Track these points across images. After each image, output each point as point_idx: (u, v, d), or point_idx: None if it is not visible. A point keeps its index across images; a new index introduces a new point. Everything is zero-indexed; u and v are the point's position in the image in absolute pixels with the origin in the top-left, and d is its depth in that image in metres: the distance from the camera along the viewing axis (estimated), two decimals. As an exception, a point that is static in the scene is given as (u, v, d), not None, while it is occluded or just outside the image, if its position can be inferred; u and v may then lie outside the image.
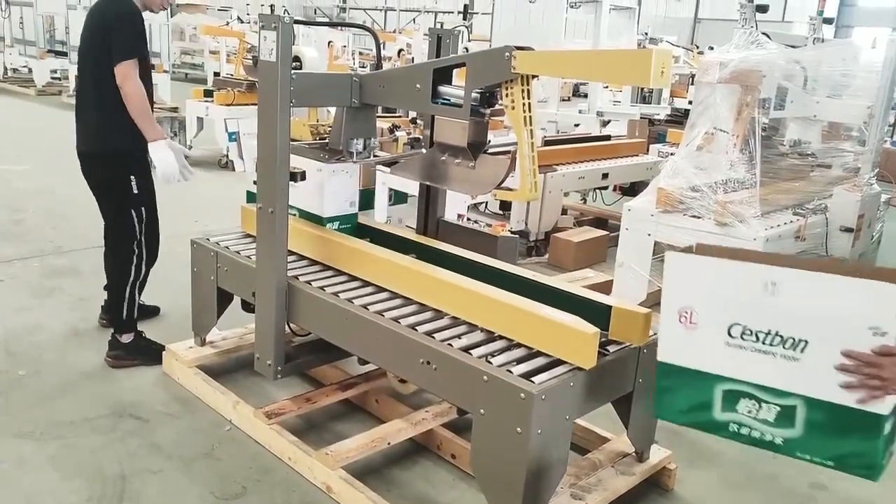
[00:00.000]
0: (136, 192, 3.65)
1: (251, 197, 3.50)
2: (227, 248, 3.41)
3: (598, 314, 2.60)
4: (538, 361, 2.45)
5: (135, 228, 3.69)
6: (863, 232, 4.51)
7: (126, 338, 3.74)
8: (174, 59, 19.50)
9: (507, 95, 2.51)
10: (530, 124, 2.55)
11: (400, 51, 8.67)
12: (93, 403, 3.32)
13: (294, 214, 3.29)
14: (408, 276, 2.88)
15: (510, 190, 2.76)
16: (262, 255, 2.99)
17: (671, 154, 8.03)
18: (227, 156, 8.56)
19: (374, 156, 3.23)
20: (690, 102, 8.60)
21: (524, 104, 2.49)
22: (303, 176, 3.09)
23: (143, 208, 3.70)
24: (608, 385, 2.57)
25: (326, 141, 3.30)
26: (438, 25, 3.46)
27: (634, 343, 2.61)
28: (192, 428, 3.19)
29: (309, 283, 3.02)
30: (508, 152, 2.78)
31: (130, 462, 2.93)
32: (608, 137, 7.42)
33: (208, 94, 8.77)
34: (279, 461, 2.95)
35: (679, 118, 13.14)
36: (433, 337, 2.58)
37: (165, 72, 12.67)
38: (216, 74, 16.84)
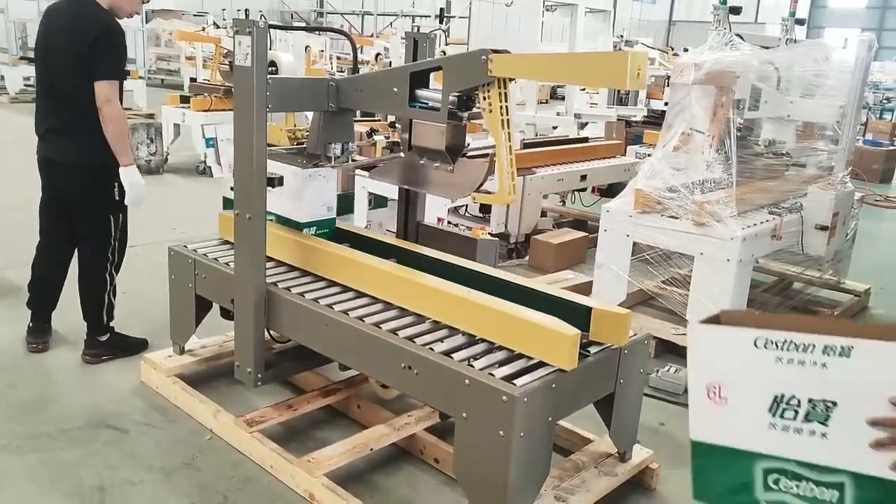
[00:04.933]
0: (116, 198, 3.65)
1: (228, 203, 3.48)
2: (204, 255, 3.38)
3: (578, 316, 2.60)
4: (519, 364, 2.44)
5: (111, 235, 3.70)
6: (838, 230, 4.55)
7: (104, 336, 3.79)
8: (150, 64, 19.36)
9: (484, 98, 2.51)
10: (508, 127, 2.55)
11: (377, 55, 8.64)
12: (70, 415, 3.28)
13: (272, 220, 3.28)
14: (388, 280, 2.87)
15: (489, 193, 2.76)
16: (241, 261, 2.97)
17: (648, 155, 8.11)
18: (205, 162, 8.47)
19: (353, 160, 3.22)
20: (667, 104, 8.68)
21: (501, 107, 2.50)
22: (280, 181, 3.07)
23: (120, 214, 3.70)
24: (590, 386, 2.58)
25: (304, 146, 3.28)
26: (415, 29, 3.45)
27: (615, 344, 2.62)
28: (172, 438, 3.15)
29: (288, 289, 3.00)
30: (487, 155, 2.78)
31: (110, 474, 2.89)
32: (586, 140, 7.45)
33: (185, 100, 8.71)
34: (261, 470, 2.93)
35: (655, 119, 13.23)
36: (414, 341, 2.57)
37: (141, 78, 12.58)
38: (192, 80, 16.74)
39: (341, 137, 3.15)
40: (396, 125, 5.47)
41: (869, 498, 1.67)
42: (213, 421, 3.17)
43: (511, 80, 2.56)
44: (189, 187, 8.12)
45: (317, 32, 16.08)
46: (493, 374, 2.34)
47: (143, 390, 3.52)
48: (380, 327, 2.68)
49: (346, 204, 6.51)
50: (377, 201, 6.05)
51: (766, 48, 5.20)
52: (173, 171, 8.67)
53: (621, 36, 15.92)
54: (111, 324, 3.82)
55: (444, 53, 11.06)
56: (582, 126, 10.08)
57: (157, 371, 3.50)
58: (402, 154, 2.81)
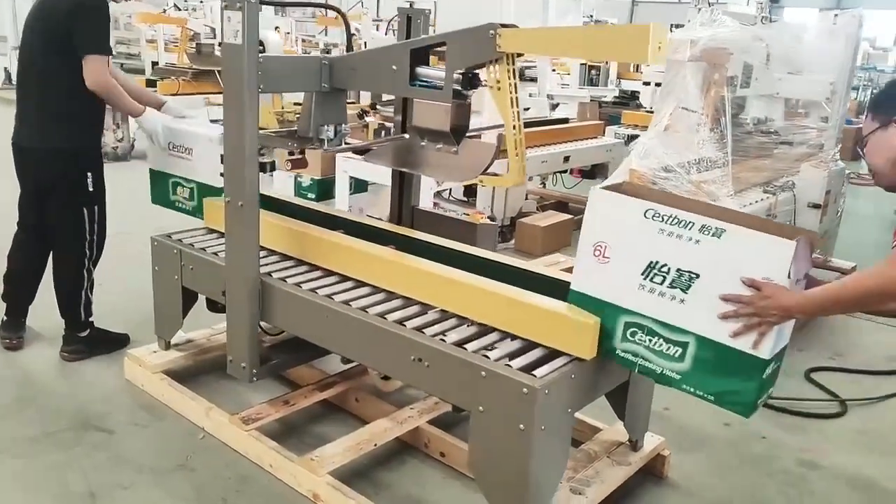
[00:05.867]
0: (91, 189, 3.46)
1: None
2: (191, 245, 3.21)
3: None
4: (535, 353, 2.34)
5: (85, 228, 3.50)
6: (829, 208, 4.53)
7: (83, 333, 3.61)
8: (109, 49, 18.75)
9: (491, 75, 2.39)
10: (517, 105, 2.43)
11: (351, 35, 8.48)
12: (53, 417, 3.10)
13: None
14: (390, 268, 2.74)
15: (496, 175, 2.64)
16: (232, 251, 2.81)
17: (629, 136, 8.06)
18: (174, 148, 8.23)
19: (346, 143, 3.07)
20: (650, 84, 8.62)
21: (510, 84, 2.37)
22: (272, 167, 2.91)
23: (95, 207, 3.51)
24: (607, 375, 2.48)
25: (294, 129, 3.12)
26: (408, 5, 3.30)
27: (631, 330, 2.53)
28: (163, 438, 3.00)
29: (283, 279, 2.86)
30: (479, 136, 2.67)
31: (98, 477, 2.74)
32: (566, 120, 7.36)
33: (151, 83, 8.41)
34: (259, 469, 2.79)
35: (626, 100, 13.24)
36: (423, 332, 2.45)
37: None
38: (154, 64, 16.27)
39: (334, 119, 2.99)
40: (378, 107, 5.31)
41: (705, 357, 2.06)
42: (206, 419, 3.02)
43: (519, 55, 2.45)
44: (159, 174, 7.85)
45: (313, 10, 15.62)
46: (510, 365, 2.24)
47: (128, 388, 3.35)
48: (385, 318, 2.56)
49: (326, 189, 6.36)
50: (357, 185, 5.89)
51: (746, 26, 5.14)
52: (141, 157, 8.33)
53: (591, 15, 15.81)
54: (90, 319, 3.63)
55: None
56: (553, 107, 9.97)
57: (142, 368, 3.33)
58: (405, 136, 2.67)
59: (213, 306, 3.34)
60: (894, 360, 4.18)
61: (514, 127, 2.43)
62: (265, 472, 2.78)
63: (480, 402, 2.26)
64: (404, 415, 2.97)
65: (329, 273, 2.92)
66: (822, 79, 4.65)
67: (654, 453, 2.90)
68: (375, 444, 2.82)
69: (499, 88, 2.37)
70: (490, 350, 2.34)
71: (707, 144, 4.18)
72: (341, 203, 5.54)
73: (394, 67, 2.65)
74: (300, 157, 3.20)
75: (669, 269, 2.06)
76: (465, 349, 2.34)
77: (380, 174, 5.26)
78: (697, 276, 2.02)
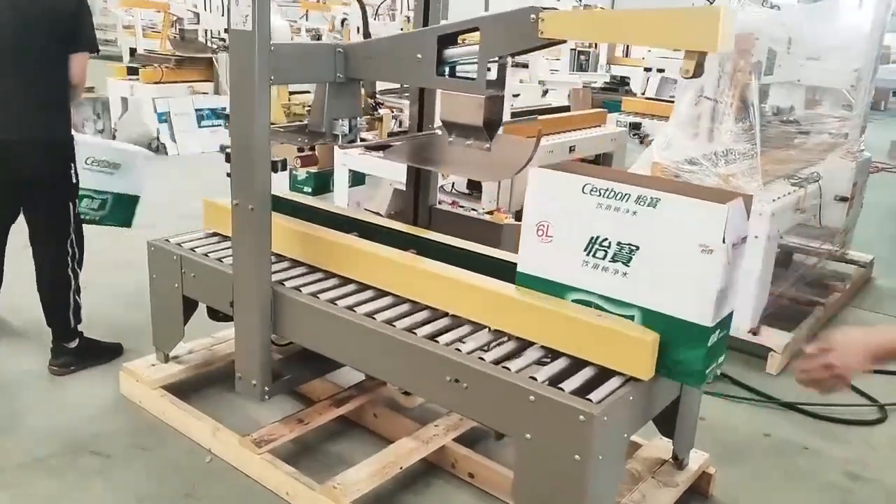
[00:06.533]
0: (74, 181, 3.26)
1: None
2: (192, 250, 2.95)
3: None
4: (586, 373, 2.12)
5: (70, 224, 3.28)
6: (855, 200, 4.35)
7: (73, 343, 3.34)
8: (84, 35, 18.23)
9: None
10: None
11: (343, 20, 8.11)
12: (42, 439, 2.84)
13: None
14: (415, 276, 2.50)
15: None
16: (242, 259, 2.56)
17: (631, 123, 7.85)
18: (158, 138, 7.91)
19: (362, 139, 2.82)
20: (652, 70, 8.40)
21: (558, 75, 2.13)
22: (283, 165, 2.65)
23: (76, 200, 3.30)
24: (661, 393, 2.27)
25: (304, 123, 2.86)
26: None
27: (684, 343, 2.31)
28: (166, 462, 2.75)
29: (298, 288, 2.61)
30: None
31: (96, 510, 2.49)
32: (567, 108, 7.12)
33: (132, 71, 8.07)
34: (275, 497, 2.55)
35: (616, 85, 13.01)
36: (459, 349, 2.22)
37: (79, 49, 11.68)
38: (133, 51, 15.80)
39: (349, 112, 2.73)
40: (378, 96, 5.03)
41: (651, 329, 2.04)
42: (213, 440, 2.77)
43: (562, 41, 2.21)
44: (143, 166, 7.50)
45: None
46: (562, 389, 2.01)
47: (124, 405, 3.09)
48: (415, 333, 2.32)
49: (323, 182, 6.09)
50: (355, 178, 5.64)
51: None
52: (123, 149, 8.01)
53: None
54: (79, 327, 3.37)
55: (408, 20, 10.56)
56: (543, 93, 9.73)
57: (139, 383, 3.07)
58: (438, 131, 2.43)
59: (215, 315, 3.10)
60: (924, 358, 4.00)
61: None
62: (282, 500, 2.54)
63: (528, 429, 2.04)
64: (429, 433, 2.74)
65: (346, 280, 2.68)
66: (846, 66, 4.44)
67: (700, 471, 2.70)
68: (401, 468, 2.59)
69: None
70: (536, 370, 2.11)
71: (733, 135, 3.97)
72: (340, 197, 5.28)
73: (418, 56, 2.41)
74: (310, 153, 2.95)
75: (610, 243, 2.08)
76: (509, 369, 2.11)
77: (379, 167, 5.01)
78: (637, 248, 2.04)
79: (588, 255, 2.11)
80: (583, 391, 2.02)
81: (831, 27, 4.57)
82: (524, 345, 2.28)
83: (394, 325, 2.36)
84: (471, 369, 2.14)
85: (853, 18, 4.48)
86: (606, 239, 2.08)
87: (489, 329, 2.35)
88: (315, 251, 2.76)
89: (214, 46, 8.44)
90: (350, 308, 2.47)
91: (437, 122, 3.10)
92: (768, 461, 3.00)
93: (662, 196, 1.99)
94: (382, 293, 2.59)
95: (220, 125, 8.22)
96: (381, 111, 3.65)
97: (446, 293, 2.43)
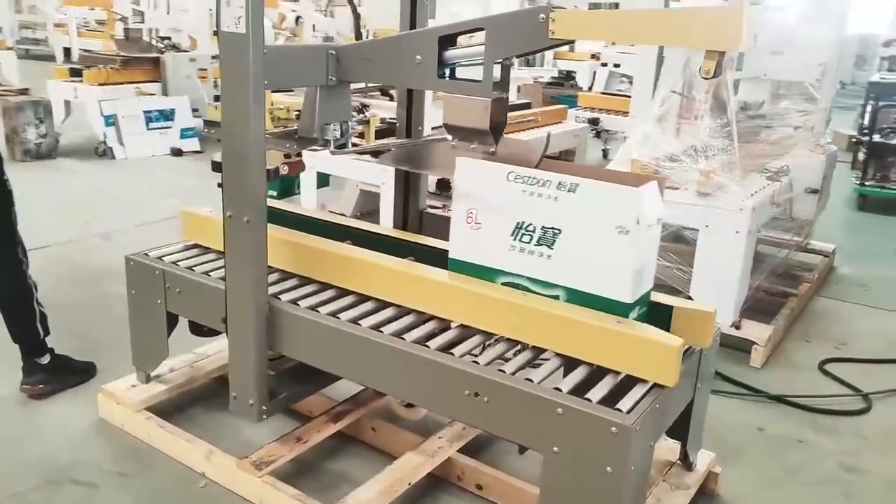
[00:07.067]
0: (9, 188, 3.05)
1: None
2: (175, 264, 2.80)
3: (656, 317, 2.25)
4: (608, 382, 2.07)
5: (15, 233, 3.08)
6: (824, 192, 4.43)
7: (45, 358, 3.15)
8: (14, 34, 17.49)
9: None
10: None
11: (298, 17, 7.89)
12: (19, 471, 2.65)
13: None
14: (420, 286, 2.41)
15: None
16: (236, 273, 2.42)
17: (589, 119, 7.87)
18: (105, 142, 7.58)
19: (353, 144, 2.71)
20: (608, 65, 8.44)
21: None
22: (276, 173, 2.53)
23: (14, 208, 3.09)
24: (680, 399, 2.25)
25: (290, 128, 2.74)
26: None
27: (699, 346, 2.29)
28: (157, 490, 2.60)
29: (295, 302, 2.50)
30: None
31: (87, 546, 2.34)
32: (529, 105, 7.09)
33: (75, 72, 7.72)
34: (280, 522, 2.44)
35: (562, 80, 13.07)
36: (476, 361, 2.15)
37: (10, 48, 11.15)
38: (67, 50, 15.19)
39: (340, 116, 2.63)
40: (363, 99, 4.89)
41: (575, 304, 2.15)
42: (207, 464, 2.63)
43: (572, 41, 2.15)
44: (90, 172, 7.19)
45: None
46: (589, 400, 1.96)
47: (105, 430, 2.91)
48: (427, 346, 2.24)
49: (288, 185, 5.92)
50: (319, 180, 5.49)
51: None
52: (67, 154, 7.66)
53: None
54: (49, 345, 3.18)
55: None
56: (494, 89, 9.70)
57: (120, 406, 2.90)
58: (448, 137, 2.34)
59: (198, 330, 2.95)
60: (895, 344, 4.12)
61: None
62: (286, 524, 2.43)
63: (555, 443, 1.98)
64: (434, 445, 2.66)
65: (344, 292, 2.58)
66: (811, 59, 4.52)
67: (707, 471, 2.69)
68: (410, 484, 2.50)
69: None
70: (559, 381, 2.06)
71: (710, 130, 4.00)
72: (308, 200, 5.14)
73: (418, 58, 2.32)
74: (297, 159, 2.82)
75: (535, 227, 2.19)
76: (532, 381, 2.05)
77: (345, 168, 4.89)
78: (560, 231, 2.15)
79: (515, 239, 2.23)
80: (609, 401, 1.97)
81: (793, 22, 4.64)
82: (539, 353, 2.22)
83: (403, 338, 2.27)
84: (492, 382, 2.07)
85: (817, 12, 4.56)
86: (531, 224, 2.19)
87: (502, 338, 2.28)
88: (309, 261, 2.65)
89: (161, 46, 8.14)
90: (355, 321, 2.37)
91: (426, 125, 3.03)
92: (767, 457, 3.02)
93: (581, 182, 2.11)
94: (384, 304, 2.50)
95: (169, 127, 7.95)
96: (368, 114, 3.54)
97: (452, 302, 2.35)
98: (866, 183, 7.12)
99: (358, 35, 2.65)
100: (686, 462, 2.63)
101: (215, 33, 2.28)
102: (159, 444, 2.77)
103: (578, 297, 2.14)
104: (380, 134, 3.74)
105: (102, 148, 7.56)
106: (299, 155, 2.82)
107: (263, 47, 2.23)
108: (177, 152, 7.87)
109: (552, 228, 2.16)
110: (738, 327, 3.86)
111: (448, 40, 2.31)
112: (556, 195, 2.14)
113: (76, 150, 7.79)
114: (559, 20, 2.05)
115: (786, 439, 3.15)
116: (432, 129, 3.03)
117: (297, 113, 2.84)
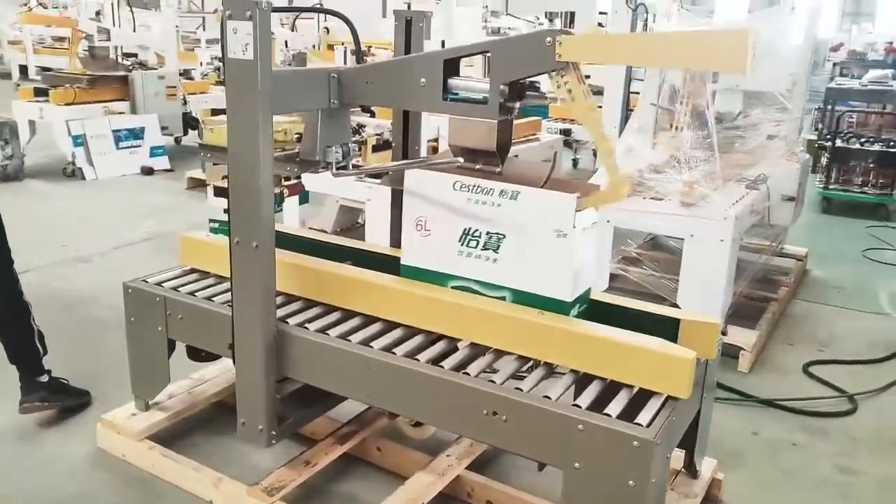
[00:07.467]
0: None
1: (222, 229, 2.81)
2: (177, 290, 2.77)
3: (663, 329, 2.30)
4: (623, 396, 2.11)
5: (8, 251, 3.04)
6: (799, 199, 4.56)
7: (44, 377, 3.12)
8: (-35, 52, 17.10)
9: (559, 86, 2.12)
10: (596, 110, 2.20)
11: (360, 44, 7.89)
12: (20, 507, 2.60)
13: None
14: (430, 306, 2.43)
15: (596, 192, 2.32)
16: (244, 300, 2.41)
17: (561, 130, 7.96)
18: (74, 162, 7.44)
19: (355, 166, 2.72)
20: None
21: (583, 91, 2.11)
22: (281, 198, 2.53)
23: (3, 227, 3.05)
24: (691, 410, 2.30)
25: (291, 151, 2.74)
26: (406, 6, 2.97)
27: (705, 357, 2.35)
28: (166, 520, 2.57)
29: (304, 325, 2.49)
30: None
31: (99, 581, 2.30)
32: (502, 116, 7.14)
33: (41, 92, 7.57)
34: (295, 548, 2.43)
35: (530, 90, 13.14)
36: (493, 380, 2.17)
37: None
38: (23, 68, 14.88)
39: (341, 138, 2.64)
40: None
41: (520, 303, 2.28)
42: (216, 492, 2.61)
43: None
44: (60, 193, 7.05)
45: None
46: (609, 415, 2.00)
47: (105, 460, 2.86)
48: (441, 366, 2.26)
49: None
50: (301, 197, 5.45)
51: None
52: (35, 175, 7.49)
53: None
54: (47, 367, 3.14)
55: (327, 31, 10.37)
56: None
57: (121, 435, 2.86)
58: (460, 160, 2.36)
59: (196, 355, 2.93)
60: (876, 345, 4.24)
61: (603, 135, 2.20)
62: (301, 550, 2.42)
63: (576, 459, 2.01)
64: (443, 464, 2.67)
65: (350, 314, 2.59)
66: (782, 70, 4.65)
67: (711, 478, 2.75)
68: (423, 504, 2.51)
69: (573, 98, 2.10)
70: (576, 398, 2.09)
71: (692, 142, 4.09)
72: (291, 217, 5.10)
73: (422, 80, 2.34)
74: (297, 181, 2.83)
75: (481, 233, 2.32)
76: (549, 398, 2.08)
77: (324, 184, 4.87)
78: (504, 236, 2.28)
79: (462, 245, 2.36)
80: (627, 415, 2.01)
81: (765, 34, 4.77)
82: (551, 368, 2.26)
83: (417, 359, 2.29)
84: (510, 401, 2.09)
85: (787, 25, 4.69)
86: (477, 230, 2.33)
87: (515, 356, 2.31)
88: (314, 284, 2.65)
89: (128, 63, 8.03)
90: (366, 344, 2.38)
91: (423, 145, 3.06)
92: (763, 461, 3.09)
93: (522, 189, 2.24)
94: (392, 325, 2.51)
95: (139, 146, 7.84)
96: (364, 133, 3.55)
97: (467, 322, 2.37)
98: (830, 186, 7.33)
99: (359, 59, 2.66)
100: (691, 470, 2.68)
101: (220, 59, 2.27)
102: (164, 474, 2.74)
103: (523, 298, 2.27)
104: (377, 149, 3.74)
105: (71, 168, 7.42)
106: (298, 177, 2.83)
107: (272, 73, 2.24)
108: (147, 171, 7.76)
109: (497, 234, 2.29)
110: (724, 333, 3.93)
111: (453, 63, 2.34)
112: (500, 202, 2.27)
113: (43, 170, 7.63)
114: (566, 44, 2.09)
115: (779, 442, 3.23)
116: (428, 141, 3.06)
117: (297, 136, 2.83)
